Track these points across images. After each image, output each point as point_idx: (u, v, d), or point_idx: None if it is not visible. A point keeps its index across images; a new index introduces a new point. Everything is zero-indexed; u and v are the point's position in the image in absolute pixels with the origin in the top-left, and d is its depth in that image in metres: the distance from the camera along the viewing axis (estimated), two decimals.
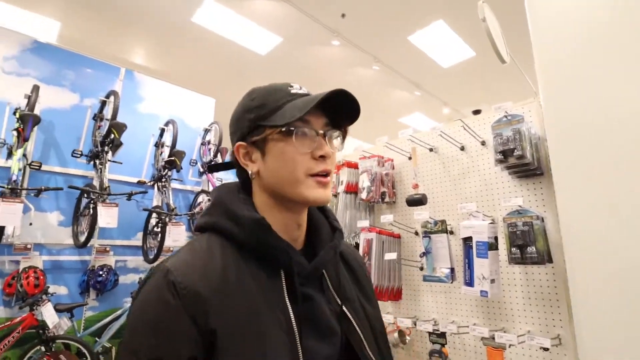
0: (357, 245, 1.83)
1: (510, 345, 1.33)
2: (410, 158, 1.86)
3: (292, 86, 0.69)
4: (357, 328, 0.69)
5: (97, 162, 3.10)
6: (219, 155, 3.93)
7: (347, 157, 2.07)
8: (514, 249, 1.33)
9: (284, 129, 0.64)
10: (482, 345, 1.45)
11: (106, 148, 3.06)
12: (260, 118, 0.66)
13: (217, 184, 3.92)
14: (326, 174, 0.67)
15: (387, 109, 6.71)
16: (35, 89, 2.95)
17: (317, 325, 0.65)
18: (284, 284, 0.64)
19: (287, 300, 0.62)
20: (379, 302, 1.89)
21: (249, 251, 0.64)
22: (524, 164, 1.38)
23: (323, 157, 0.65)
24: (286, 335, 0.59)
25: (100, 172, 3.04)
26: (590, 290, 0.69)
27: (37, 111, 2.97)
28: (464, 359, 1.59)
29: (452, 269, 1.50)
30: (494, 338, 1.33)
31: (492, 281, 1.33)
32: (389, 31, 4.53)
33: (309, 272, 0.66)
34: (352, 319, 0.69)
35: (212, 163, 3.95)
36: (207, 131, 4.19)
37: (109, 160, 3.10)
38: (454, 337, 1.62)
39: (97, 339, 3.01)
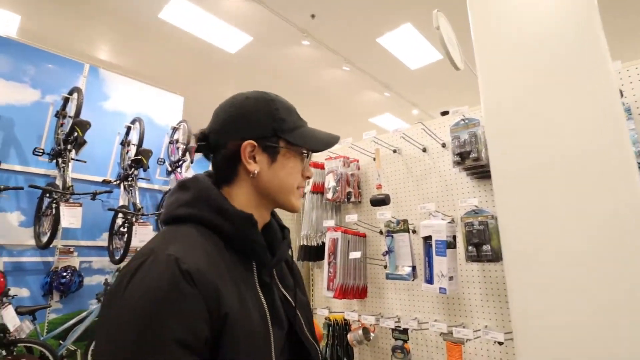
0: (323, 245, 1.88)
1: (467, 340, 1.41)
2: (374, 159, 1.92)
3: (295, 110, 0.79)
4: (299, 313, 0.78)
5: (60, 160, 3.00)
6: (187, 154, 3.87)
7: (313, 158, 2.11)
8: (470, 247, 1.41)
9: (304, 152, 0.77)
10: (443, 340, 1.53)
11: (69, 146, 2.96)
12: (281, 130, 0.74)
13: None
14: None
15: (358, 109, 6.80)
16: None
17: (276, 311, 0.71)
18: (256, 274, 0.71)
19: (258, 289, 0.69)
20: (345, 301, 1.95)
21: (230, 243, 0.69)
22: (480, 165, 1.46)
23: (307, 177, 0.80)
24: (262, 321, 0.66)
25: (63, 171, 2.94)
26: (525, 288, 0.76)
27: None
28: (426, 354, 1.67)
29: (414, 267, 1.57)
30: (452, 333, 1.41)
31: (451, 278, 1.41)
32: (358, 33, 4.60)
33: (272, 265, 0.75)
34: (292, 304, 0.78)
35: (180, 162, 3.90)
36: (175, 130, 4.12)
37: (72, 159, 3.00)
38: (416, 333, 1.69)
39: (61, 341, 2.91)
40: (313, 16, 4.30)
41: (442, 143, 1.71)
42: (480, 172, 1.52)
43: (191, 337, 0.54)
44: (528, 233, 0.76)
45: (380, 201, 1.66)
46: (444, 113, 1.82)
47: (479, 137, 1.45)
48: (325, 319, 1.87)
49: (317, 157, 2.14)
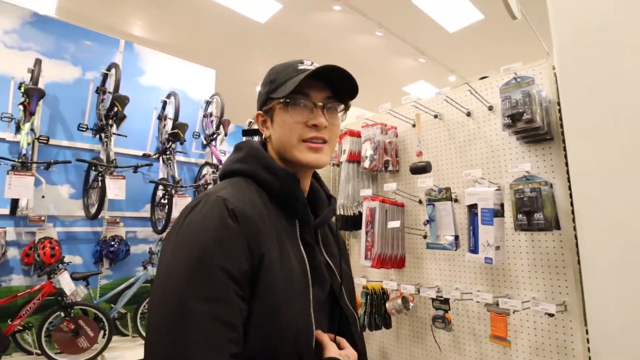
0: (360, 215, 1.84)
1: (514, 311, 1.35)
2: (414, 125, 1.83)
3: (302, 62, 0.79)
4: (340, 280, 0.81)
5: (103, 135, 3.11)
6: (221, 127, 3.91)
7: (349, 126, 2.04)
8: (520, 216, 1.32)
9: (282, 101, 0.76)
10: (486, 311, 1.48)
11: (110, 121, 3.05)
12: (271, 92, 0.79)
13: (221, 156, 3.92)
14: (319, 141, 0.77)
15: (391, 77, 6.54)
16: (38, 62, 2.92)
17: (318, 271, 0.75)
18: (298, 231, 0.76)
19: (300, 244, 0.74)
20: (382, 270, 1.93)
21: (276, 198, 0.75)
22: (533, 128, 1.34)
23: (315, 126, 0.76)
24: (302, 274, 0.70)
25: (106, 145, 3.06)
26: (600, 259, 0.69)
27: (41, 85, 2.96)
28: (467, 324, 1.63)
29: (457, 237, 1.51)
30: (497, 304, 1.35)
31: (497, 248, 1.34)
32: None
33: (314, 226, 0.79)
34: (335, 272, 0.81)
35: (214, 135, 3.94)
36: (208, 103, 4.15)
37: (113, 134, 3.11)
38: (457, 304, 1.65)
39: (112, 305, 3.14)
40: None
41: (488, 106, 1.59)
42: (533, 135, 1.40)
43: (234, 268, 0.60)
44: (606, 201, 0.68)
45: (421, 169, 1.58)
46: (483, 79, 1.68)
47: (533, 96, 1.33)
48: (363, 287, 1.86)
49: (353, 125, 2.07)
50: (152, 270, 3.27)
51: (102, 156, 3.08)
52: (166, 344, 0.54)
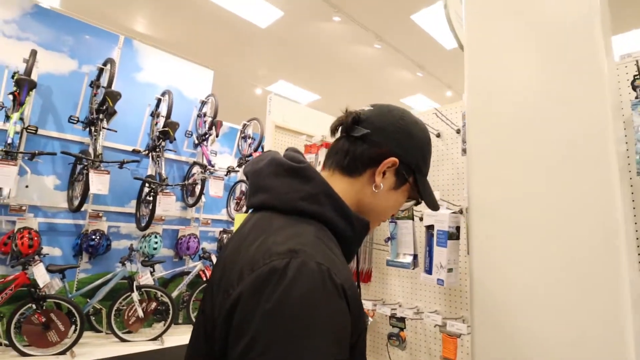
0: None
1: (461, 335, 1.36)
2: None
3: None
4: None
5: (93, 129, 3.15)
6: (213, 128, 3.95)
7: (326, 138, 2.07)
8: None
9: (418, 200, 0.82)
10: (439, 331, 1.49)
11: (101, 116, 3.09)
12: (418, 169, 0.77)
13: (211, 157, 3.96)
14: None
15: (389, 89, 6.59)
16: (33, 53, 2.96)
17: None
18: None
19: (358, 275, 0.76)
20: None
21: (342, 243, 0.66)
22: None
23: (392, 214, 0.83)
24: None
25: (95, 139, 3.09)
26: (489, 284, 0.71)
27: (35, 76, 3.00)
28: (424, 343, 1.64)
29: (415, 256, 1.52)
30: (446, 326, 1.37)
31: (450, 270, 1.35)
32: (392, 8, 4.40)
33: None
34: None
35: (206, 135, 3.97)
36: (203, 103, 4.19)
37: (103, 128, 3.14)
38: (416, 322, 1.66)
39: (88, 300, 3.15)
40: None
41: (456, 129, 1.62)
42: None
43: (339, 352, 0.51)
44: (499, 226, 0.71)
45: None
46: None
47: None
48: None
49: (329, 137, 2.10)
50: (130, 267, 3.28)
51: (91, 150, 3.12)
52: None
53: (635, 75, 1.03)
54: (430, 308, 1.60)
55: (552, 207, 0.63)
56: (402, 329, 1.56)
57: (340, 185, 0.71)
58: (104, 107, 3.07)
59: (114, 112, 3.11)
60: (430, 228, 1.42)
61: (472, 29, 0.82)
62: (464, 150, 1.36)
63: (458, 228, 1.39)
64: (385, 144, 0.72)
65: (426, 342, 1.63)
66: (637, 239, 1.03)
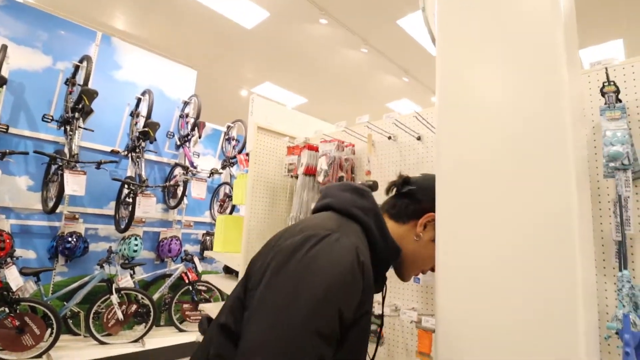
0: None
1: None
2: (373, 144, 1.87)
3: None
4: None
5: (68, 128, 3.06)
6: (196, 129, 3.90)
7: (309, 140, 2.07)
8: None
9: None
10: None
11: (76, 114, 3.01)
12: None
13: (194, 158, 3.90)
14: None
15: (375, 93, 6.64)
16: (3, 48, 2.86)
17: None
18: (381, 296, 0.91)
19: (382, 311, 0.94)
20: None
21: (373, 259, 0.75)
22: None
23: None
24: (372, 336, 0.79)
25: (70, 138, 3.01)
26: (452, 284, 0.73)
27: (6, 72, 2.89)
28: (402, 339, 1.66)
29: None
30: (421, 322, 1.40)
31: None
32: (378, 13, 4.43)
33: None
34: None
35: (189, 136, 3.92)
36: (186, 104, 4.14)
37: (80, 127, 3.06)
38: (394, 319, 1.68)
39: (65, 303, 3.06)
40: None
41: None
42: None
43: (345, 316, 0.62)
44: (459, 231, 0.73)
45: (369, 188, 1.61)
46: None
47: None
48: None
49: (312, 139, 2.10)
50: (109, 270, 3.21)
51: (66, 150, 3.03)
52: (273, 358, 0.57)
53: (604, 82, 1.07)
54: (408, 306, 1.62)
55: (514, 205, 0.65)
56: (379, 326, 1.58)
57: (388, 224, 0.84)
58: (80, 106, 2.99)
59: (91, 111, 3.04)
60: None
61: (442, 27, 0.84)
62: None
63: None
64: (426, 201, 0.83)
65: (404, 339, 1.65)
66: (602, 238, 1.07)
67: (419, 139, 1.72)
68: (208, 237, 4.38)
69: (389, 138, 1.84)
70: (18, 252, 2.86)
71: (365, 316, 0.67)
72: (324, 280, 0.61)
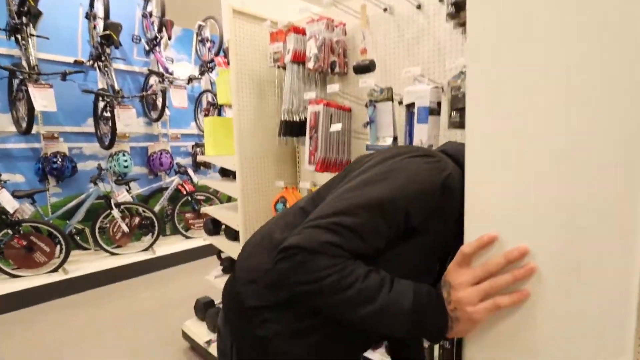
0: (305, 120, 1.78)
1: None
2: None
3: None
4: None
5: (19, 37, 2.71)
6: (163, 29, 3.50)
7: (294, 22, 1.85)
8: (454, 113, 1.30)
9: None
10: None
11: (24, 19, 2.63)
12: None
13: (168, 64, 3.59)
14: None
15: None
16: None
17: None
18: None
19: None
20: (327, 174, 1.95)
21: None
22: None
23: None
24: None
25: (25, 49, 2.68)
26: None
27: None
28: None
29: (395, 138, 1.49)
30: None
31: (430, 146, 1.34)
32: None
33: None
34: None
35: (157, 39, 3.54)
36: (147, 1, 3.64)
37: (32, 35, 2.71)
38: None
39: (67, 221, 3.10)
40: None
41: None
42: None
43: (412, 218, 0.65)
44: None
45: (365, 68, 1.49)
46: None
47: None
48: (308, 191, 1.89)
49: (298, 21, 1.88)
50: (103, 187, 3.18)
51: (23, 62, 2.72)
52: (335, 209, 0.63)
53: None
54: None
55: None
56: None
57: None
58: (25, 8, 2.59)
59: (39, 13, 2.65)
60: (410, 106, 1.37)
61: None
62: (450, 15, 1.24)
63: (439, 104, 1.34)
64: None
65: None
66: None
67: (419, 7, 1.53)
68: (198, 149, 4.30)
69: (385, 10, 1.64)
70: (4, 176, 2.77)
71: (430, 230, 0.68)
72: (405, 183, 0.65)
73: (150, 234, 3.43)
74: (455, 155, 0.76)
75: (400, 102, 1.59)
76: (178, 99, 3.58)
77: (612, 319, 0.53)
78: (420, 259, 0.72)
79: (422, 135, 1.32)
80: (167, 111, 3.84)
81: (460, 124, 1.30)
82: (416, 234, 0.68)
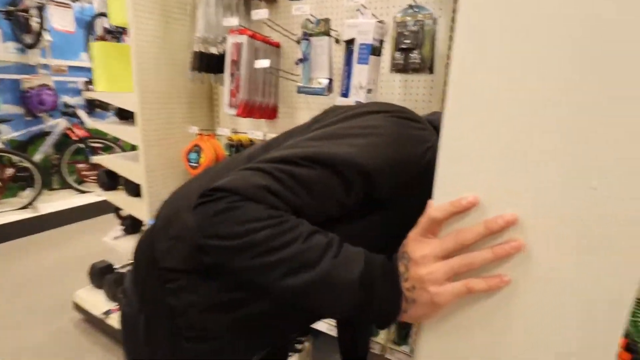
0: (224, 53, 1.49)
1: None
2: None
3: None
4: None
5: None
6: None
7: None
8: (397, 54, 1.16)
9: None
10: None
11: None
12: None
13: None
14: None
15: None
16: None
17: None
18: None
19: None
20: (252, 121, 1.72)
21: None
22: None
23: None
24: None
25: None
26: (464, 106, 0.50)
27: None
28: None
29: (331, 80, 1.31)
30: None
31: (369, 91, 1.20)
32: None
33: None
34: None
35: None
36: None
37: None
38: None
39: None
40: None
41: None
42: None
43: (381, 191, 0.56)
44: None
45: None
46: None
47: None
48: (228, 139, 1.64)
49: None
50: None
51: None
52: (286, 155, 0.52)
53: None
54: None
55: None
56: None
57: None
58: None
59: None
60: (350, 43, 1.19)
61: None
62: None
63: (382, 42, 1.19)
64: None
65: None
66: None
67: None
68: (91, 86, 3.60)
69: None
70: None
71: (403, 204, 0.57)
72: (388, 142, 0.56)
73: (30, 189, 2.85)
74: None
75: (338, 41, 1.40)
76: (60, 20, 2.87)
77: (607, 314, 0.42)
78: (381, 239, 0.59)
79: (362, 78, 1.16)
80: (47, 36, 3.07)
81: (403, 67, 1.17)
82: (380, 209, 0.59)
